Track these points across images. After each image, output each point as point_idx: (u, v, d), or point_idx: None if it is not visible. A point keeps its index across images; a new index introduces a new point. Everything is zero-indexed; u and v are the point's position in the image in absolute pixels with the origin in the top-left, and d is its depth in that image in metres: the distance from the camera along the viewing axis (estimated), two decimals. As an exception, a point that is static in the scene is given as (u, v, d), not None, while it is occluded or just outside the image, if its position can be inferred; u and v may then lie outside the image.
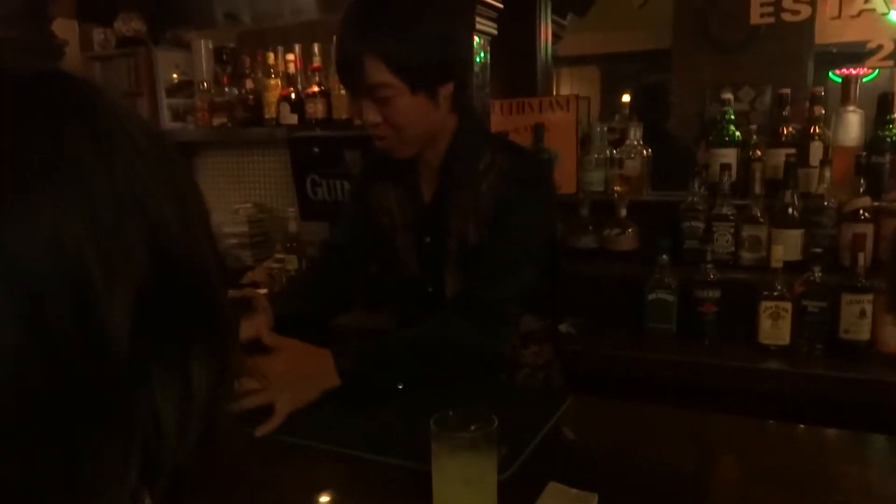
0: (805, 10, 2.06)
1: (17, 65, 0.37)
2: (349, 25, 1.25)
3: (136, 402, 0.34)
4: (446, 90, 1.30)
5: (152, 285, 0.35)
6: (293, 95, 2.39)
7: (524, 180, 1.35)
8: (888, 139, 1.88)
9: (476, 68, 2.06)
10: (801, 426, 1.19)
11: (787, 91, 2.06)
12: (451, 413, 0.85)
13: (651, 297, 1.92)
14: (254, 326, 1.23)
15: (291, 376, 1.17)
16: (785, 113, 2.03)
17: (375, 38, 1.22)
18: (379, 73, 1.22)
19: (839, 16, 2.06)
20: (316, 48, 2.34)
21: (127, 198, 0.35)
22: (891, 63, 2.02)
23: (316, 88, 2.33)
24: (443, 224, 1.38)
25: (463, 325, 1.29)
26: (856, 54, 2.55)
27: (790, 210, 1.87)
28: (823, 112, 1.99)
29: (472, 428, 0.83)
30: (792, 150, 1.94)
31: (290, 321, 1.33)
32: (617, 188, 2.14)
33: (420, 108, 1.27)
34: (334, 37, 1.34)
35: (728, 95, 2.16)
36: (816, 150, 1.94)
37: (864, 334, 1.71)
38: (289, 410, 1.14)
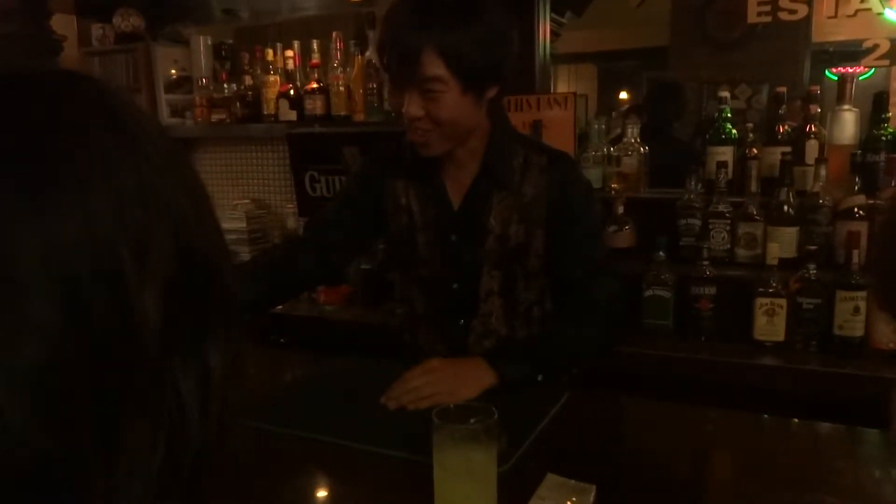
0: (802, 9, 2.07)
1: (37, 64, 0.38)
2: (408, 15, 1.23)
3: (163, 384, 0.36)
4: (492, 91, 1.31)
5: (177, 275, 0.37)
6: (292, 92, 2.40)
7: (574, 180, 1.41)
8: (883, 138, 1.89)
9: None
10: (796, 421, 1.21)
11: (784, 90, 2.07)
12: (452, 406, 0.86)
13: (648, 293, 1.93)
14: None
15: (447, 374, 1.22)
16: (781, 111, 2.04)
17: (438, 33, 1.21)
18: (436, 67, 1.21)
19: (836, 15, 2.07)
20: (315, 44, 2.35)
21: (151, 192, 0.37)
22: (886, 62, 2.03)
23: (315, 85, 2.33)
24: (476, 224, 1.39)
25: (588, 324, 1.37)
26: (852, 53, 2.56)
27: (786, 208, 1.88)
28: (819, 110, 2.00)
29: (473, 420, 0.84)
30: (788, 149, 1.95)
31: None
32: (614, 185, 2.15)
33: (465, 106, 1.28)
34: (382, 24, 1.30)
35: (725, 93, 2.16)
36: (812, 149, 1.96)
37: (858, 331, 1.73)
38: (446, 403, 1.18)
